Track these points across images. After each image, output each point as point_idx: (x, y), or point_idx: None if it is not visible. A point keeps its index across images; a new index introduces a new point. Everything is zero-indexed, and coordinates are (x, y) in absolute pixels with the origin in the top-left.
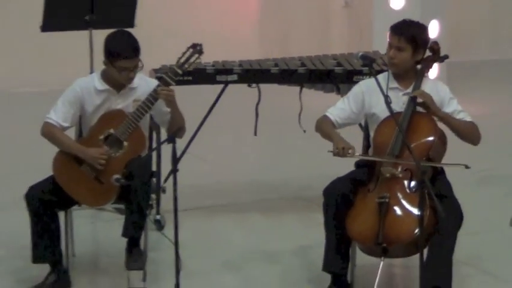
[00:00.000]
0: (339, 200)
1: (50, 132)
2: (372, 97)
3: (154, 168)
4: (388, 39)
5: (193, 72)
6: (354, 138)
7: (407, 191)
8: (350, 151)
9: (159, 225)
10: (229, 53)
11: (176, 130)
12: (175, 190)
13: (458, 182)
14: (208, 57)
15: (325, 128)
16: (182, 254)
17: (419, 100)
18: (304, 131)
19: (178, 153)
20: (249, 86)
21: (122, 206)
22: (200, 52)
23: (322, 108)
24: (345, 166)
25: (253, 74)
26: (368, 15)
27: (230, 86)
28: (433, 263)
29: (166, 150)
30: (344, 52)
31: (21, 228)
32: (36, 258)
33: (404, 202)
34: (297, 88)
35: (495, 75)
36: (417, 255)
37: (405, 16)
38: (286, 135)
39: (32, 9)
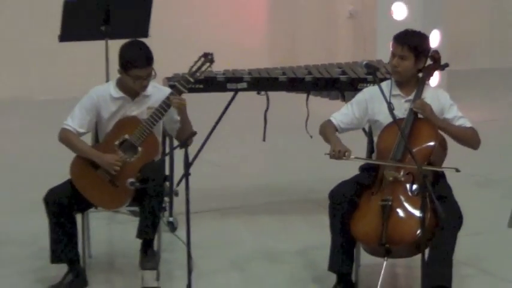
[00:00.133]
0: (344, 203)
1: (67, 138)
2: (375, 104)
3: (167, 172)
4: (391, 49)
5: (204, 81)
6: (359, 143)
7: (409, 193)
8: (346, 154)
9: (172, 227)
10: (239, 62)
11: (187, 137)
12: (187, 193)
13: (458, 185)
14: (219, 66)
15: (326, 131)
16: (194, 254)
17: (419, 114)
18: (311, 137)
19: (190, 158)
20: (258, 93)
21: (136, 209)
22: (211, 61)
23: (328, 115)
24: (350, 170)
25: (262, 82)
26: (372, 25)
27: (240, 93)
28: (434, 263)
29: (178, 155)
30: (349, 61)
31: (41, 229)
32: (55, 259)
33: (406, 204)
34: (304, 95)
35: (493, 83)
36: (419, 256)
37: (407, 26)
38: (293, 140)
39: (51, 21)
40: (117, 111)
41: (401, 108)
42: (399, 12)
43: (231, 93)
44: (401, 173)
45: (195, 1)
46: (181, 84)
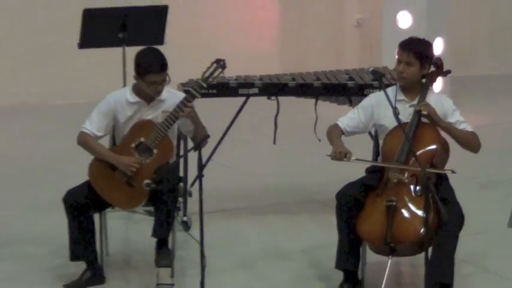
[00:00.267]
0: (351, 203)
1: (85, 141)
2: (381, 109)
3: (181, 173)
4: (396, 55)
5: (217, 86)
6: (365, 146)
7: (413, 195)
8: (347, 155)
9: (186, 226)
10: (250, 68)
11: (200, 140)
12: (200, 194)
13: (460, 187)
14: (231, 72)
15: (331, 135)
16: (206, 252)
17: (424, 112)
18: (319, 140)
19: (204, 160)
20: (269, 98)
21: (151, 209)
22: (223, 67)
23: (336, 119)
24: (356, 172)
25: (273, 88)
26: (378, 34)
27: (251, 98)
28: (437, 261)
29: (192, 157)
30: (356, 67)
31: (60, 228)
32: (74, 257)
33: (410, 205)
34: (313, 100)
35: (494, 88)
36: (422, 254)
37: (412, 34)
38: (302, 143)
39: (70, 28)
40: (133, 115)
41: (406, 112)
42: (404, 21)
43: (243, 98)
44: (406, 175)
45: (209, 10)
46: (194, 89)
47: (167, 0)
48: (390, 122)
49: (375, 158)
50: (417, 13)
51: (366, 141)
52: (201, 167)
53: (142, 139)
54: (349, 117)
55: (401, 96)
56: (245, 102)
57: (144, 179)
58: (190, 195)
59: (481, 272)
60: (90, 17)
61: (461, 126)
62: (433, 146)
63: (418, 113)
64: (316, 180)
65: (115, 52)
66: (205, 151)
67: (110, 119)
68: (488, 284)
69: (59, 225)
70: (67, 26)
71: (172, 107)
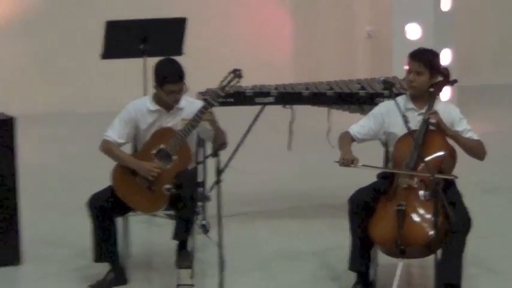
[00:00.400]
0: (362, 207)
1: (107, 148)
2: (391, 118)
3: (200, 179)
4: (407, 65)
5: (234, 95)
6: (376, 153)
7: (422, 199)
8: (354, 161)
9: (205, 229)
10: (266, 78)
11: (220, 145)
12: (219, 199)
13: (467, 192)
14: (248, 82)
15: (341, 142)
16: (225, 254)
17: (432, 121)
18: (333, 147)
19: (221, 166)
20: (284, 107)
21: (172, 213)
22: (240, 76)
23: (347, 127)
24: (368, 177)
25: (288, 97)
26: (388, 44)
27: (267, 107)
28: (446, 263)
29: (211, 163)
30: (367, 77)
31: (85, 231)
32: (98, 258)
33: (419, 209)
34: (326, 109)
35: (500, 98)
36: (432, 256)
37: (421, 45)
38: (315, 150)
39: (93, 40)
40: (153, 123)
41: (415, 120)
42: (413, 32)
43: (259, 107)
44: (415, 181)
45: (226, 23)
46: (212, 98)
47: (186, 13)
48: (400, 130)
49: (386, 164)
50: (425, 25)
51: (377, 148)
52: (219, 172)
53: (162, 146)
54: (360, 125)
55: (410, 105)
56: (261, 111)
57: (164, 184)
58: (209, 199)
59: (487, 273)
60: (113, 29)
61: (468, 135)
62: (441, 153)
63: (426, 122)
64: (329, 185)
65: (136, 62)
66: (223, 157)
67: (131, 126)
68: (493, 284)
69: (83, 228)
70: (91, 37)
71: (191, 115)
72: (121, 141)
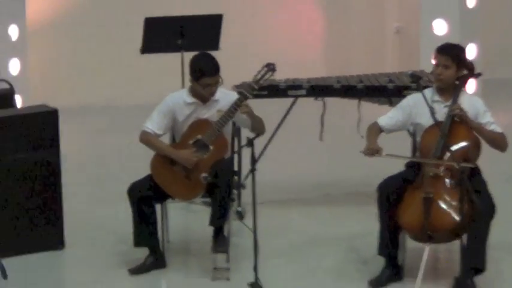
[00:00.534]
0: (391, 195)
1: (147, 139)
2: (418, 109)
3: (236, 168)
4: (434, 59)
5: (268, 88)
6: (405, 143)
7: (448, 187)
8: (378, 151)
9: (240, 216)
10: (298, 72)
11: (254, 137)
12: (253, 186)
13: (493, 180)
14: (281, 75)
15: (368, 133)
16: (259, 239)
17: (456, 112)
18: (362, 137)
19: (256, 155)
20: (316, 99)
21: (208, 200)
22: (273, 70)
23: (377, 118)
24: (396, 166)
25: (319, 89)
26: (416, 40)
27: (299, 99)
28: (471, 248)
29: (246, 153)
30: (395, 71)
31: (125, 218)
32: (138, 243)
33: (446, 196)
34: (356, 101)
35: None
36: (457, 241)
37: (447, 40)
38: (346, 140)
39: (133, 36)
40: (190, 115)
41: (441, 112)
42: (440, 28)
43: (292, 99)
44: (441, 169)
45: (260, 19)
46: (247, 91)
47: (222, 9)
48: (426, 121)
49: (413, 154)
50: (451, 21)
51: (405, 138)
52: (254, 161)
53: (199, 136)
54: (388, 116)
55: (437, 97)
56: (294, 103)
57: (201, 172)
58: (244, 187)
59: (510, 256)
60: (151, 25)
61: (491, 127)
62: (466, 143)
63: (451, 115)
64: (359, 174)
65: (174, 57)
66: (258, 147)
67: (169, 118)
68: None
69: (124, 215)
70: (131, 33)
71: (226, 106)
72: (159, 132)
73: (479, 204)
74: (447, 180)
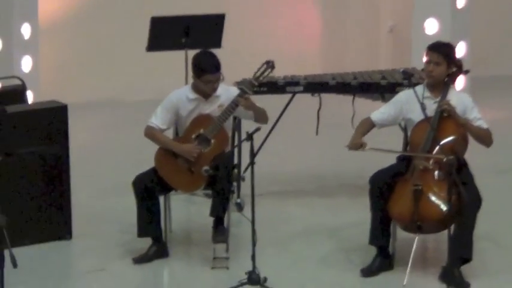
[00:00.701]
0: (382, 187)
1: (151, 133)
2: (409, 105)
3: (235, 161)
4: (426, 57)
5: (267, 84)
6: (396, 138)
7: (437, 179)
8: (362, 145)
9: (239, 207)
10: (296, 69)
11: (253, 131)
12: (252, 179)
13: (482, 173)
14: (279, 72)
15: (357, 127)
16: (257, 230)
17: (445, 107)
18: None
19: (255, 149)
20: (312, 95)
21: (209, 192)
22: (272, 67)
23: (370, 113)
24: (388, 160)
25: (316, 86)
26: (408, 38)
27: (297, 95)
28: (458, 238)
29: (245, 146)
30: (388, 68)
31: (129, 209)
32: (141, 233)
33: (434, 188)
34: (351, 97)
35: (510, 87)
36: (445, 232)
37: (438, 39)
38: (341, 134)
39: (139, 34)
40: (193, 110)
41: (431, 108)
42: (431, 27)
43: (290, 95)
44: (430, 162)
45: (260, 18)
46: (247, 87)
47: (225, 9)
48: (417, 116)
49: (405, 148)
50: (443, 20)
51: (397, 133)
52: (253, 155)
53: (201, 131)
54: (380, 111)
55: (427, 94)
56: (291, 99)
57: (203, 166)
58: (243, 179)
59: (496, 247)
60: (157, 24)
61: (478, 123)
62: (454, 137)
63: (440, 110)
64: (353, 167)
65: (178, 54)
66: (257, 141)
67: (173, 113)
68: (502, 257)
69: (128, 206)
70: (138, 31)
71: (227, 101)
72: (163, 127)
73: (466, 196)
74: (436, 173)
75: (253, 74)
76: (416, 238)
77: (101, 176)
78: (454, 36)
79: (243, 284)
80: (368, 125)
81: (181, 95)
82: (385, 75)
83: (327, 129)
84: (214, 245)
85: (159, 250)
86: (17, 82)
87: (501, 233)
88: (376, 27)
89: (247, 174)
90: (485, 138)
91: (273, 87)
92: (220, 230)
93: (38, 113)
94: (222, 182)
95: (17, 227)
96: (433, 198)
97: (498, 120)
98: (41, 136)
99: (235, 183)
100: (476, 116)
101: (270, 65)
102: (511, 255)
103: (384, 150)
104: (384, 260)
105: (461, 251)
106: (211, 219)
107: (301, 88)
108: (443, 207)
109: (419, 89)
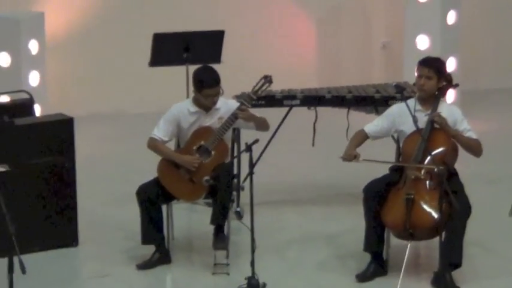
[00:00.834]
0: (376, 196)
1: (154, 145)
2: (402, 118)
3: (235, 171)
4: (417, 72)
5: (265, 98)
6: (389, 148)
7: (428, 188)
8: (356, 157)
9: (239, 215)
10: (293, 83)
11: (252, 143)
12: (251, 188)
13: (469, 182)
14: (277, 86)
15: (351, 139)
16: (256, 237)
17: (436, 119)
18: None
19: (254, 160)
20: (309, 108)
21: (210, 201)
22: (270, 82)
23: (364, 126)
24: (381, 170)
25: (312, 99)
26: (400, 54)
27: (294, 108)
28: (448, 245)
29: (244, 157)
30: (382, 82)
31: (133, 217)
32: (145, 241)
33: (426, 197)
34: (345, 110)
35: (498, 100)
36: (437, 239)
37: (429, 55)
38: (336, 146)
39: (142, 50)
40: (194, 123)
41: (422, 120)
42: (422, 43)
43: (287, 108)
44: (422, 172)
45: (258, 34)
46: (246, 101)
47: (224, 26)
48: (409, 128)
49: (397, 158)
50: (433, 36)
51: (390, 144)
52: (251, 165)
53: (202, 142)
54: (374, 124)
55: (418, 107)
56: (288, 112)
57: (203, 176)
58: (243, 189)
59: (485, 252)
60: (159, 40)
61: (468, 134)
62: (444, 148)
63: (431, 121)
64: (348, 177)
65: (179, 69)
66: (255, 152)
67: (174, 126)
68: (490, 262)
69: (132, 214)
70: (141, 47)
71: (227, 114)
72: (165, 139)
73: (456, 204)
74: (427, 182)
75: (252, 88)
76: (409, 245)
77: (106, 186)
78: (444, 52)
79: None
80: (362, 137)
81: (182, 108)
82: (379, 89)
83: (322, 141)
84: (215, 252)
85: (162, 256)
86: (25, 96)
87: (490, 239)
88: (370, 44)
89: (247, 184)
90: (475, 148)
91: (271, 100)
92: (220, 238)
93: (45, 125)
94: (222, 191)
95: (25, 235)
96: (425, 206)
97: (486, 132)
98: (48, 147)
99: (234, 193)
100: (466, 128)
101: (268, 79)
102: (499, 260)
103: (378, 162)
104: (378, 265)
105: (452, 257)
106: (211, 227)
107: (298, 101)
108: (435, 215)
109: (411, 102)
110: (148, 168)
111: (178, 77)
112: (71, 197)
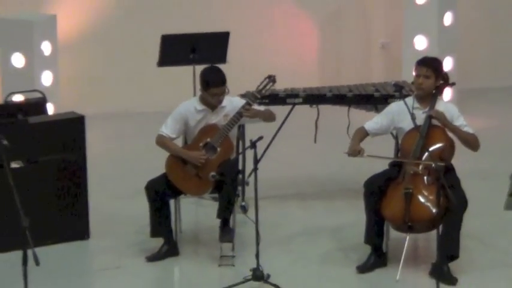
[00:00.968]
0: (375, 191)
1: (162, 142)
2: (400, 116)
3: (240, 167)
4: (415, 71)
5: (269, 96)
6: (389, 145)
7: (426, 183)
8: (360, 152)
9: (244, 209)
10: (295, 82)
11: (256, 140)
12: (256, 183)
13: (465, 177)
14: (280, 85)
15: (354, 135)
16: (260, 230)
17: (434, 115)
18: None
19: (258, 156)
20: (311, 106)
21: (216, 195)
22: (274, 81)
23: (363, 123)
24: (381, 166)
25: (314, 98)
26: (399, 54)
27: (296, 106)
28: (446, 237)
29: (249, 153)
30: (381, 81)
31: (142, 211)
32: (154, 234)
33: (424, 191)
34: (346, 108)
35: (494, 98)
36: (434, 231)
37: (427, 55)
38: (337, 142)
39: (151, 51)
40: (200, 120)
41: (420, 118)
42: (420, 43)
43: (290, 106)
44: (420, 168)
45: (263, 35)
46: (250, 99)
47: (229, 27)
48: (407, 125)
49: (396, 154)
50: (431, 37)
51: (389, 140)
52: (256, 161)
53: (208, 139)
54: (373, 121)
55: (416, 105)
56: (291, 110)
57: (210, 171)
58: (248, 184)
59: (480, 245)
60: (167, 41)
61: (465, 129)
62: (442, 144)
63: (429, 117)
64: (349, 172)
65: (187, 69)
66: (260, 149)
67: (182, 124)
68: (486, 254)
69: (141, 208)
70: (150, 47)
71: (232, 111)
72: (173, 136)
73: (453, 198)
74: (425, 177)
75: (256, 87)
76: (408, 237)
77: (116, 181)
78: (441, 52)
79: (247, 280)
80: (362, 134)
81: (189, 106)
82: (378, 88)
83: (324, 138)
84: (221, 244)
85: (170, 249)
86: (38, 95)
87: (486, 232)
88: (369, 44)
89: (251, 179)
90: (472, 142)
91: (275, 99)
92: (226, 231)
93: (57, 124)
94: (227, 186)
95: (39, 228)
96: (423, 200)
97: (482, 129)
98: (60, 145)
99: (239, 188)
100: (463, 123)
101: (271, 79)
102: (494, 252)
103: (380, 157)
104: (378, 257)
105: (449, 248)
106: (218, 221)
107: (300, 100)
108: (432, 209)
109: (410, 100)
110: (156, 164)
111: (186, 76)
112: (82, 192)
